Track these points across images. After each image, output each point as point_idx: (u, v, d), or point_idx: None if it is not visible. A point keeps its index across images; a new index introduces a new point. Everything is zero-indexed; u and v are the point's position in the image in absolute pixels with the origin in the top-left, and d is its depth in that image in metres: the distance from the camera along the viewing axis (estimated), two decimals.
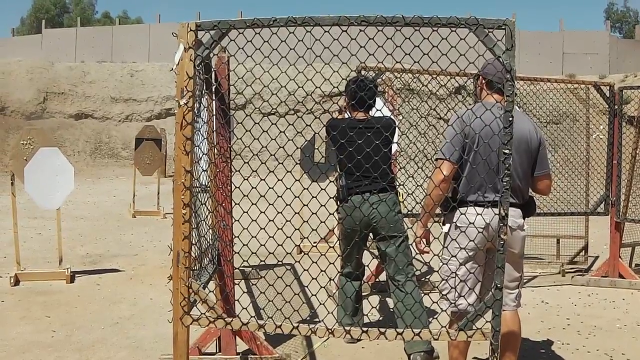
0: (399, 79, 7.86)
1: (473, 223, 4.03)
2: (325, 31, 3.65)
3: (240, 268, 7.77)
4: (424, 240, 4.64)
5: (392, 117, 6.34)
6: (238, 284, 5.63)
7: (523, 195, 4.57)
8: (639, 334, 6.46)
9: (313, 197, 3.85)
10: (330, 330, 3.67)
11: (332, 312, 4.04)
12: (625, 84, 18.13)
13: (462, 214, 4.23)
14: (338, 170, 5.90)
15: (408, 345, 5.49)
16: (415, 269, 5.91)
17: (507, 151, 3.49)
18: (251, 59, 3.97)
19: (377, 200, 5.51)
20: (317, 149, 8.84)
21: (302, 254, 8.47)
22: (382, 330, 3.62)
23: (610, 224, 8.80)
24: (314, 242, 8.40)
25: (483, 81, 4.67)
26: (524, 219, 4.57)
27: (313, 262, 3.80)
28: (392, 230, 5.69)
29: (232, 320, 3.93)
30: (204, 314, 3.94)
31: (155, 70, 31.20)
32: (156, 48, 34.54)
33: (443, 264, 4.30)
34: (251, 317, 3.90)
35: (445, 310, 4.51)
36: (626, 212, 8.75)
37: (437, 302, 4.30)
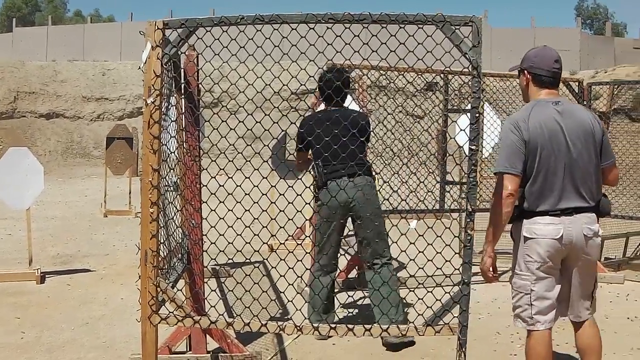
0: (368, 77, 7.86)
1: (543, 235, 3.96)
2: (293, 29, 3.66)
3: (211, 266, 7.75)
4: (491, 269, 4.24)
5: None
6: (207, 282, 5.61)
7: (594, 195, 4.11)
8: (607, 327, 6.50)
9: (280, 194, 3.85)
10: (298, 328, 3.68)
11: (300, 310, 4.05)
12: (595, 80, 18.30)
13: (531, 226, 4.05)
14: (313, 159, 5.91)
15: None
16: (391, 255, 5.93)
17: (473, 147, 3.52)
18: (219, 57, 3.97)
19: (353, 185, 5.53)
20: (286, 146, 8.83)
21: (272, 251, 8.48)
22: (350, 326, 3.64)
23: None
24: (284, 240, 8.38)
25: (528, 76, 4.21)
26: (598, 222, 4.15)
27: (281, 259, 3.81)
28: (371, 213, 5.73)
29: (200, 319, 3.94)
30: (172, 312, 3.93)
31: (127, 69, 31.00)
32: (128, 46, 34.32)
33: (516, 279, 4.18)
34: (219, 315, 3.90)
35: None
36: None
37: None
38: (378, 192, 5.89)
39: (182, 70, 4.66)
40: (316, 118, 5.79)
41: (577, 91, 8.82)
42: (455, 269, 3.83)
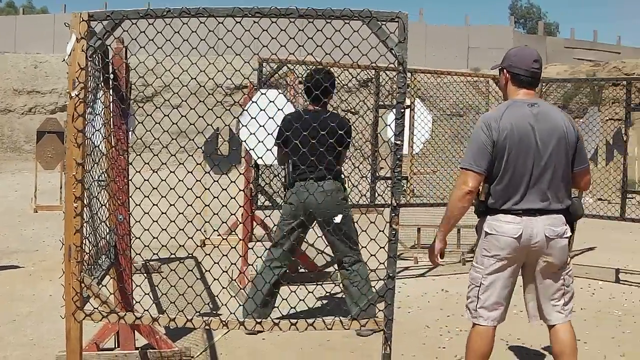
0: (299, 72, 7.86)
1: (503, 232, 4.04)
2: (219, 22, 3.64)
3: (143, 262, 7.68)
4: (438, 254, 4.38)
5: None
6: (138, 278, 5.55)
7: (563, 198, 4.14)
8: None
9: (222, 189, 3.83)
10: (224, 323, 3.67)
11: (225, 304, 4.03)
12: None
13: (492, 222, 4.12)
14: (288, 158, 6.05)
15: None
16: (360, 249, 5.93)
17: (398, 142, 3.54)
18: (145, 49, 3.93)
19: (316, 186, 5.72)
20: (219, 141, 8.78)
21: (206, 246, 8.43)
22: (276, 321, 3.64)
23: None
24: (218, 235, 8.38)
25: (507, 75, 4.23)
26: (568, 224, 4.18)
27: (207, 254, 3.79)
28: (332, 215, 5.80)
29: (125, 315, 3.89)
30: (97, 308, 3.88)
31: (60, 62, 30.29)
32: (61, 39, 33.60)
33: (472, 270, 4.29)
34: (145, 310, 3.86)
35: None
36: None
37: (329, 293, 4.30)
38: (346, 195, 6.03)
39: (109, 63, 4.60)
40: (296, 117, 5.85)
41: None
42: (381, 263, 3.86)
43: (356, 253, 5.93)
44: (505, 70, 4.25)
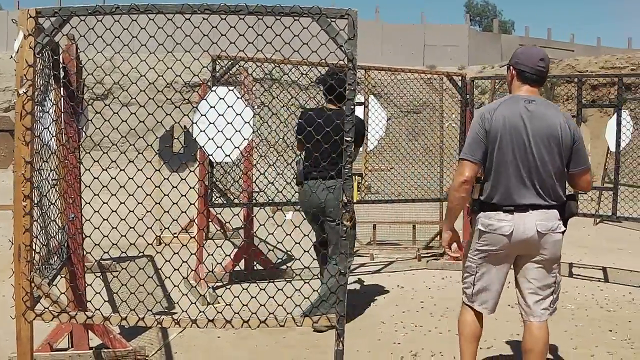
0: (256, 70, 7.84)
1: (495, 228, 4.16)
2: (168, 19, 3.63)
3: (96, 261, 7.60)
4: (453, 245, 4.47)
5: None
6: (84, 277, 5.50)
7: (556, 195, 4.18)
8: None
9: (173, 186, 3.81)
10: (176, 321, 3.66)
11: (177, 303, 4.02)
12: (483, 75, 18.77)
13: (485, 220, 4.22)
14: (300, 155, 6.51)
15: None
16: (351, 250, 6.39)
17: (348, 139, 3.56)
18: (93, 47, 3.90)
19: (325, 187, 6.05)
20: (173, 139, 8.75)
21: (162, 245, 8.38)
22: (228, 318, 3.64)
23: (463, 210, 9.08)
24: (173, 234, 8.34)
25: (514, 72, 4.32)
26: (562, 220, 4.23)
27: (158, 252, 3.77)
28: (331, 213, 6.04)
29: (77, 314, 3.86)
30: (48, 308, 3.84)
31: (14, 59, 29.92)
32: (14, 36, 33.07)
33: (467, 260, 4.40)
34: (96, 309, 3.83)
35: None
36: None
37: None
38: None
39: (58, 60, 4.55)
40: (315, 114, 5.81)
41: (460, 85, 9.03)
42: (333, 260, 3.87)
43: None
44: (512, 67, 4.34)
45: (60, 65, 4.60)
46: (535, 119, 4.11)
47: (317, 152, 5.24)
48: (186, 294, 4.26)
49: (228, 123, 3.78)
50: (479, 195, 4.24)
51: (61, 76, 4.56)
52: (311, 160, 6.12)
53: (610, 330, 6.15)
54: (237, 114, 3.85)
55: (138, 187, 3.74)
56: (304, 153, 6.40)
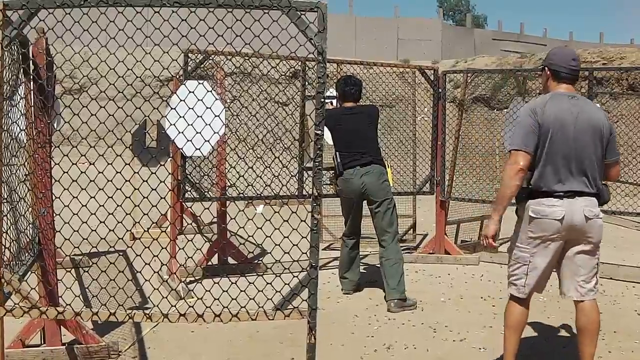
0: (226, 63, 7.81)
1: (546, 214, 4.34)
2: (138, 12, 3.60)
3: (68, 256, 7.54)
4: (492, 236, 4.56)
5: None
6: (55, 272, 5.46)
7: (597, 183, 4.48)
8: (461, 307, 6.77)
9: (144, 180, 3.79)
10: (147, 315, 3.65)
11: (149, 297, 4.00)
12: (455, 69, 18.84)
13: (536, 207, 4.41)
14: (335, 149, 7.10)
15: (387, 295, 6.77)
16: (397, 231, 7.30)
17: (318, 132, 3.56)
18: (62, 40, 3.87)
19: (364, 172, 6.86)
20: (147, 132, 8.68)
21: (134, 239, 8.34)
22: (200, 312, 3.63)
23: (436, 202, 9.16)
24: (145, 229, 8.28)
25: (549, 72, 4.61)
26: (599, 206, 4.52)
27: (129, 247, 3.75)
28: (378, 197, 6.91)
29: (47, 309, 3.84)
30: (18, 304, 3.82)
31: None
32: None
33: (516, 250, 4.55)
34: (67, 305, 3.81)
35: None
36: (450, 191, 9.14)
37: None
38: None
39: (26, 53, 4.51)
40: (340, 112, 7.18)
41: (432, 79, 9.05)
42: (303, 253, 3.87)
43: (390, 232, 6.94)
44: (546, 68, 4.62)
45: (29, 59, 4.56)
46: (580, 113, 4.40)
47: (350, 144, 6.63)
48: (158, 289, 4.23)
49: (198, 116, 3.77)
50: (528, 184, 4.46)
51: (30, 70, 4.52)
52: (346, 152, 6.88)
53: None
54: (207, 108, 3.84)
55: (108, 181, 3.71)
56: (336, 148, 7.02)
